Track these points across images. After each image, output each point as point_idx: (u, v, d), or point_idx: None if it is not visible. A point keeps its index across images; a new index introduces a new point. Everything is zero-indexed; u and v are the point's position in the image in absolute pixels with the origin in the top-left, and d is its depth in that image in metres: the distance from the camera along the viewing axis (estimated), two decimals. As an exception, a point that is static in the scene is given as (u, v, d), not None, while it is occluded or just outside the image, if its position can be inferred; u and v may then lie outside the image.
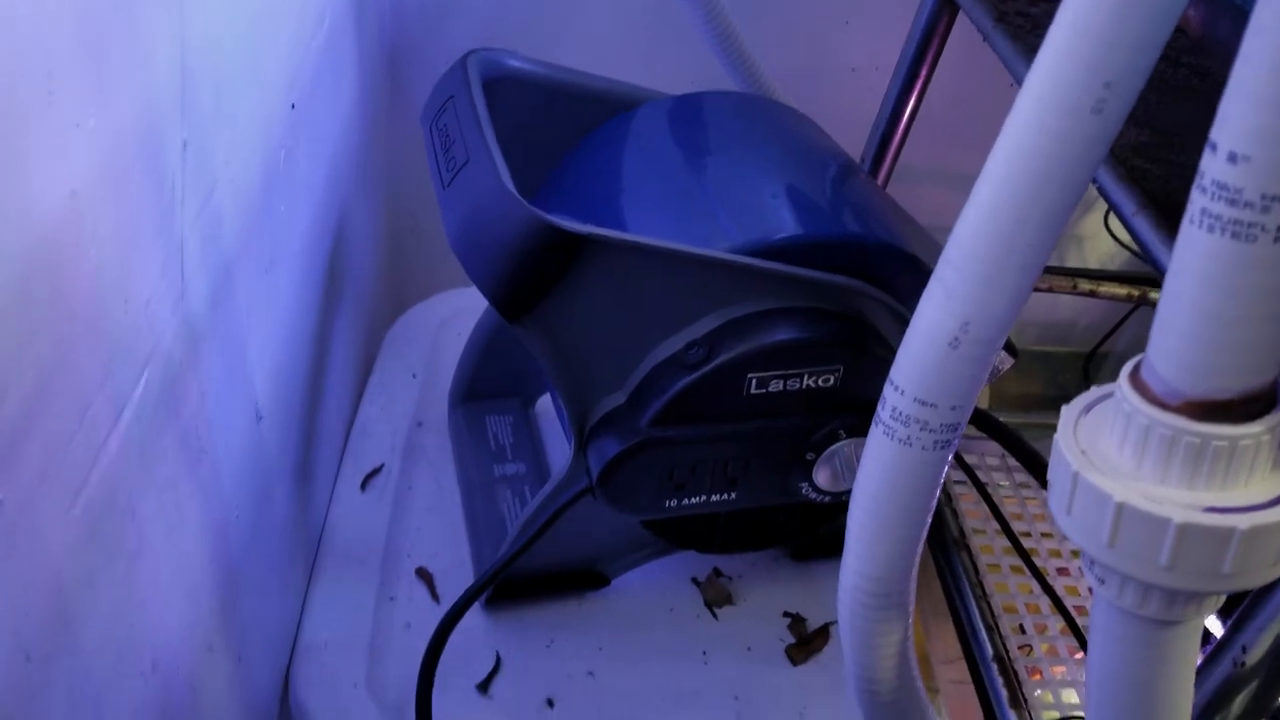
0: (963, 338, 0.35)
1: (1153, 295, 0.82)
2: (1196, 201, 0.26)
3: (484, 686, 0.61)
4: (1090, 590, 0.65)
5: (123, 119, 0.34)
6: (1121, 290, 0.80)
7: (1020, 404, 0.99)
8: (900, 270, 0.56)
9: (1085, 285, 0.80)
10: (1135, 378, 0.31)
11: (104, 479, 0.33)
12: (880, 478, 0.40)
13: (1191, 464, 0.29)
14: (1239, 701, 0.40)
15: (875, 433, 0.39)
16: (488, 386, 0.76)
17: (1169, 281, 0.28)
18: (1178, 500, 0.29)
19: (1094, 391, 0.34)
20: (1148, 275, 0.83)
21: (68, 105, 0.30)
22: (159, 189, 0.37)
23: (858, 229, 0.56)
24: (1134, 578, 0.31)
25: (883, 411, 0.39)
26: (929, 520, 0.41)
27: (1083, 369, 0.97)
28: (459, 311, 0.86)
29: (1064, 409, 0.34)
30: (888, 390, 0.38)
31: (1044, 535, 0.69)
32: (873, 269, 0.56)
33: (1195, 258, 0.26)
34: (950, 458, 0.39)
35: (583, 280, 0.52)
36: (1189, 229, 0.26)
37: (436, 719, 0.56)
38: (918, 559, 0.42)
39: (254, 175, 0.49)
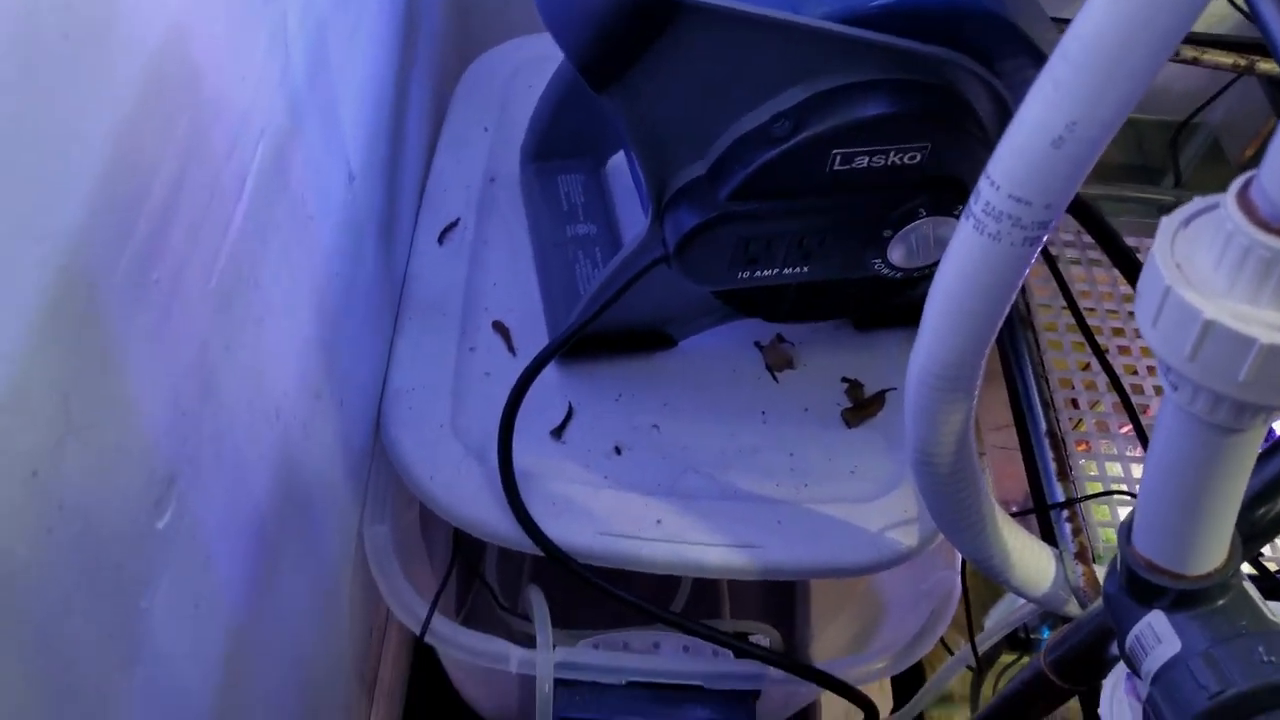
0: (1067, 137, 0.35)
1: (1261, 66, 0.78)
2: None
3: (558, 433, 0.65)
4: (1149, 371, 0.67)
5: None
6: (1227, 59, 0.76)
7: (1098, 172, 0.97)
8: (1002, 43, 0.54)
9: (1188, 51, 0.76)
10: (1243, 196, 0.31)
11: (233, 253, 0.35)
12: (964, 270, 0.41)
13: (1287, 289, 0.30)
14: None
15: (965, 225, 0.40)
16: (560, 144, 0.76)
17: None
18: (1265, 321, 0.30)
19: (1197, 203, 0.34)
20: (1257, 42, 0.78)
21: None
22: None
23: (958, -4, 0.54)
24: (1209, 389, 0.32)
25: (975, 204, 0.39)
26: (1006, 313, 0.42)
27: (1170, 140, 0.94)
28: (530, 60, 0.84)
29: (1163, 220, 0.34)
30: (982, 183, 0.39)
31: (1109, 313, 0.70)
32: (972, 40, 0.54)
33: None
34: (1037, 252, 0.40)
35: (671, 48, 0.51)
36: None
37: (515, 459, 0.61)
38: (989, 348, 0.44)
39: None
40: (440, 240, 0.74)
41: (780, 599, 0.95)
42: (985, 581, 0.85)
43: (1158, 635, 0.40)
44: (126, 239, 0.27)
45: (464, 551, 0.78)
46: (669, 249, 0.58)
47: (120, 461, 0.28)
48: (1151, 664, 0.40)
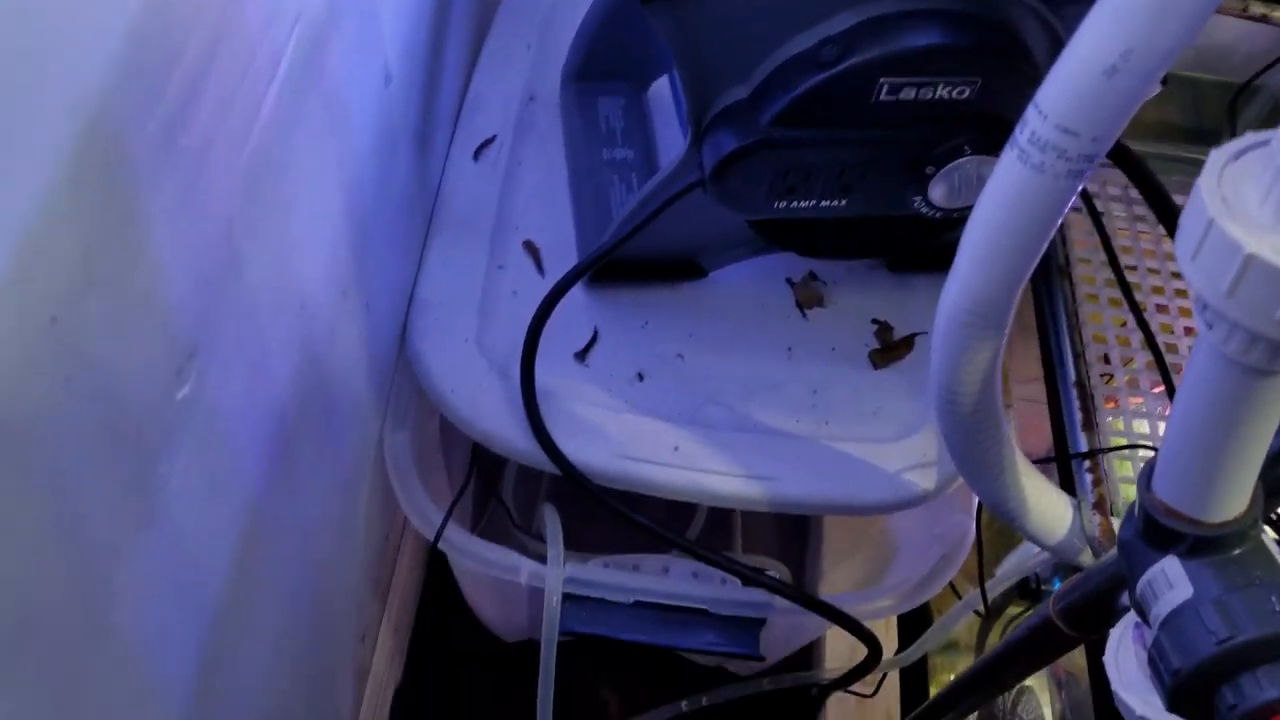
0: (1121, 66, 0.34)
1: (1330, 28, 0.75)
2: None
3: (581, 355, 0.65)
4: (1186, 332, 0.66)
5: None
6: (1297, 17, 0.74)
7: (1153, 131, 0.94)
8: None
9: (1257, 8, 0.74)
10: (1296, 132, 0.30)
11: (264, 135, 0.35)
12: (1004, 202, 0.40)
13: (1333, 228, 0.29)
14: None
15: (1008, 155, 0.39)
16: (602, 66, 0.75)
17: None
18: (1308, 259, 0.29)
19: (1247, 138, 0.33)
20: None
21: None
22: None
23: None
24: (1245, 327, 0.31)
25: (1020, 134, 0.38)
26: (1043, 250, 0.41)
27: (1230, 102, 0.91)
28: (576, -21, 0.83)
29: (1212, 152, 0.33)
30: (1030, 113, 0.38)
31: (1150, 271, 0.68)
32: (1031, -29, 0.52)
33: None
34: (1080, 188, 0.39)
35: (721, -37, 0.50)
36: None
37: (537, 378, 0.61)
38: (1022, 286, 0.43)
39: None
40: (475, 156, 0.73)
41: (793, 537, 0.96)
42: (999, 534, 0.85)
43: (1170, 580, 0.40)
44: (156, 100, 0.27)
45: (483, 471, 0.79)
46: (705, 173, 0.57)
47: (142, 324, 0.28)
48: (1161, 609, 0.40)
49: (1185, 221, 0.33)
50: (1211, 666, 0.37)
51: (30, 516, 0.25)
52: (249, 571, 0.42)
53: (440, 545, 0.62)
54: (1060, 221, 0.41)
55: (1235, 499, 0.38)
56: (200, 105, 0.30)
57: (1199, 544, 0.39)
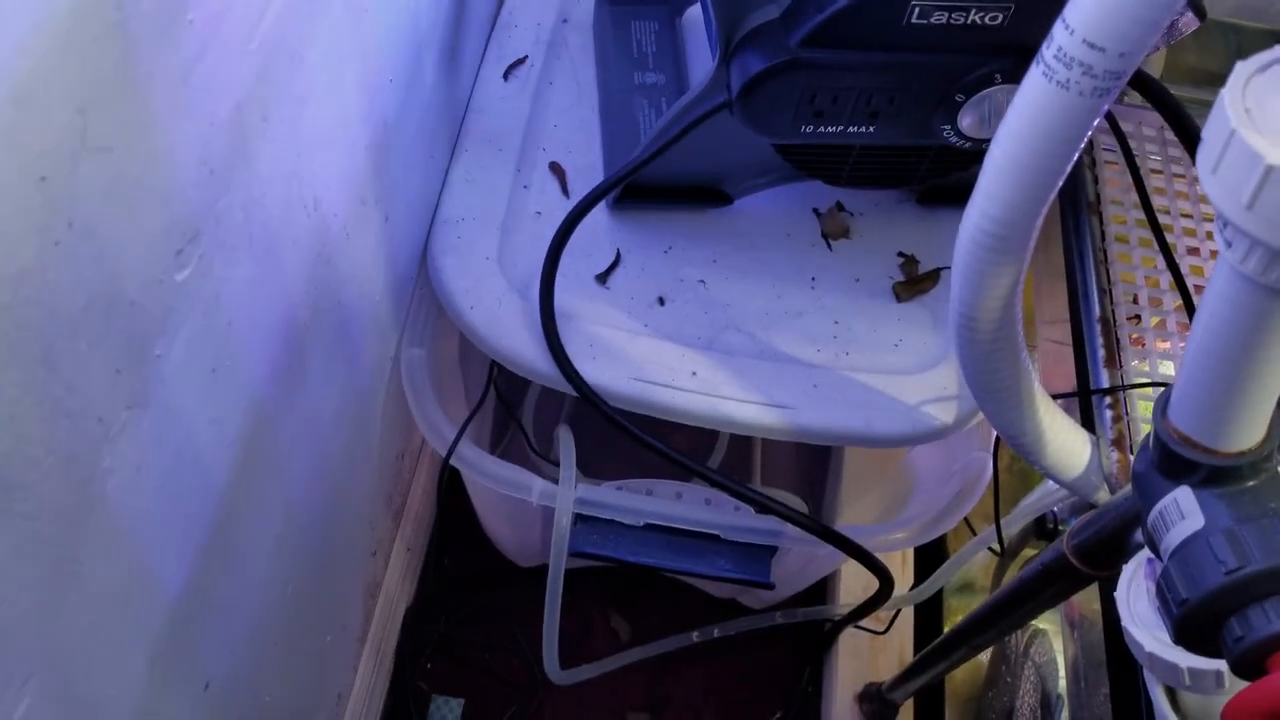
0: (1151, -22, 0.33)
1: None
2: None
3: (603, 278, 0.65)
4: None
5: None
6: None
7: (1192, 77, 0.91)
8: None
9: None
10: (1329, 39, 0.29)
11: (278, 18, 0.35)
12: (1029, 118, 0.39)
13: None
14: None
15: (1034, 72, 0.38)
16: (637, -13, 0.74)
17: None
18: (1332, 171, 0.28)
19: (1275, 51, 0.32)
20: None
21: None
22: None
23: None
24: (1264, 242, 0.31)
25: (1046, 50, 0.37)
26: (1067, 171, 0.40)
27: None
28: (615, -97, 0.81)
29: (1238, 64, 0.32)
30: (1057, 28, 0.37)
31: (1183, 215, 0.67)
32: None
33: None
34: (1105, 109, 0.38)
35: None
36: None
37: (558, 300, 0.61)
38: (1045, 208, 0.42)
39: None
40: (505, 76, 0.73)
41: (811, 472, 0.96)
42: (1018, 477, 0.84)
43: (1181, 510, 0.39)
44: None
45: (502, 397, 0.79)
46: (733, 94, 0.56)
47: (139, 197, 0.28)
48: (1172, 539, 0.39)
49: (1207, 134, 0.32)
50: (1219, 597, 0.36)
51: (12, 378, 0.25)
52: (253, 467, 0.42)
53: (453, 461, 0.63)
54: (1084, 141, 0.40)
55: (1252, 428, 0.37)
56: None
57: (1213, 474, 0.38)
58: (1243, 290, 0.33)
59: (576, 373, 0.60)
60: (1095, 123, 0.39)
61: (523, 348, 0.61)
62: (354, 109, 0.46)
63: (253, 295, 0.38)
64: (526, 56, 0.74)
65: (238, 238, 0.35)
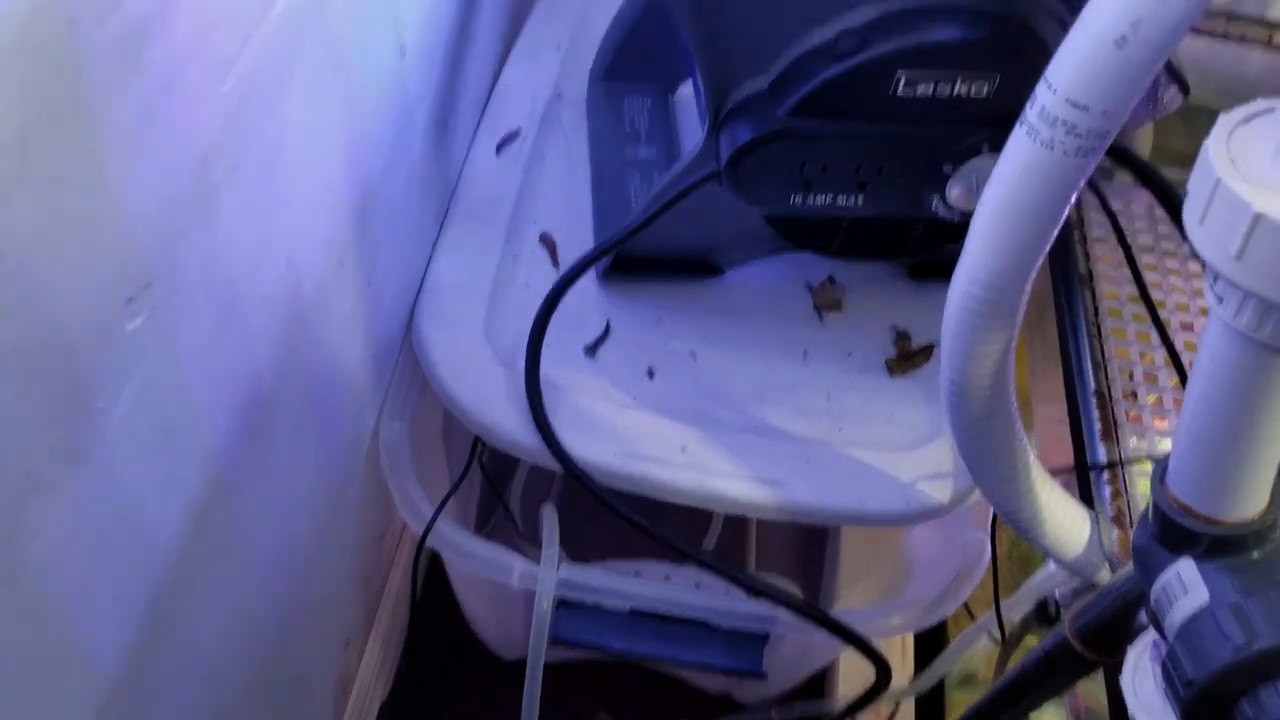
0: (1131, 37, 0.33)
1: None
2: None
3: (591, 350, 0.64)
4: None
5: None
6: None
7: (1180, 160, 0.92)
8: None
9: (1282, 38, 0.72)
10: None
11: (253, 65, 0.34)
12: (1014, 179, 0.38)
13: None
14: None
15: (1018, 132, 0.38)
16: (631, 66, 0.75)
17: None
18: (1321, 220, 0.27)
19: (1257, 104, 0.32)
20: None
21: None
22: None
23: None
24: (1256, 294, 0.29)
25: (1030, 110, 0.37)
26: (1055, 232, 0.40)
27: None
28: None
29: (1221, 116, 0.31)
30: (1040, 88, 0.36)
31: (1175, 290, 0.66)
32: (1053, -30, 0.51)
33: None
34: (1091, 169, 0.38)
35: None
36: None
37: (544, 371, 0.60)
38: (1035, 271, 0.41)
39: None
40: (498, 150, 0.73)
41: (808, 556, 0.93)
42: (1017, 562, 0.81)
43: (1184, 584, 0.37)
44: (110, 8, 0.26)
45: (488, 475, 0.77)
46: (721, 163, 0.56)
47: (86, 236, 0.27)
48: (1176, 616, 0.37)
49: (1192, 185, 0.31)
50: (1228, 677, 0.34)
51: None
52: (207, 540, 0.40)
53: (430, 541, 0.61)
54: (1071, 201, 0.39)
55: (1254, 495, 0.36)
56: (172, 20, 0.29)
57: (1216, 545, 0.37)
58: (1237, 348, 0.32)
59: (561, 446, 0.59)
60: (1081, 183, 0.38)
61: (506, 420, 0.60)
62: (334, 169, 0.45)
63: (213, 353, 0.37)
64: (520, 130, 0.74)
65: (198, 290, 0.34)
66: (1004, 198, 0.39)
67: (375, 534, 0.71)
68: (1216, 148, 0.30)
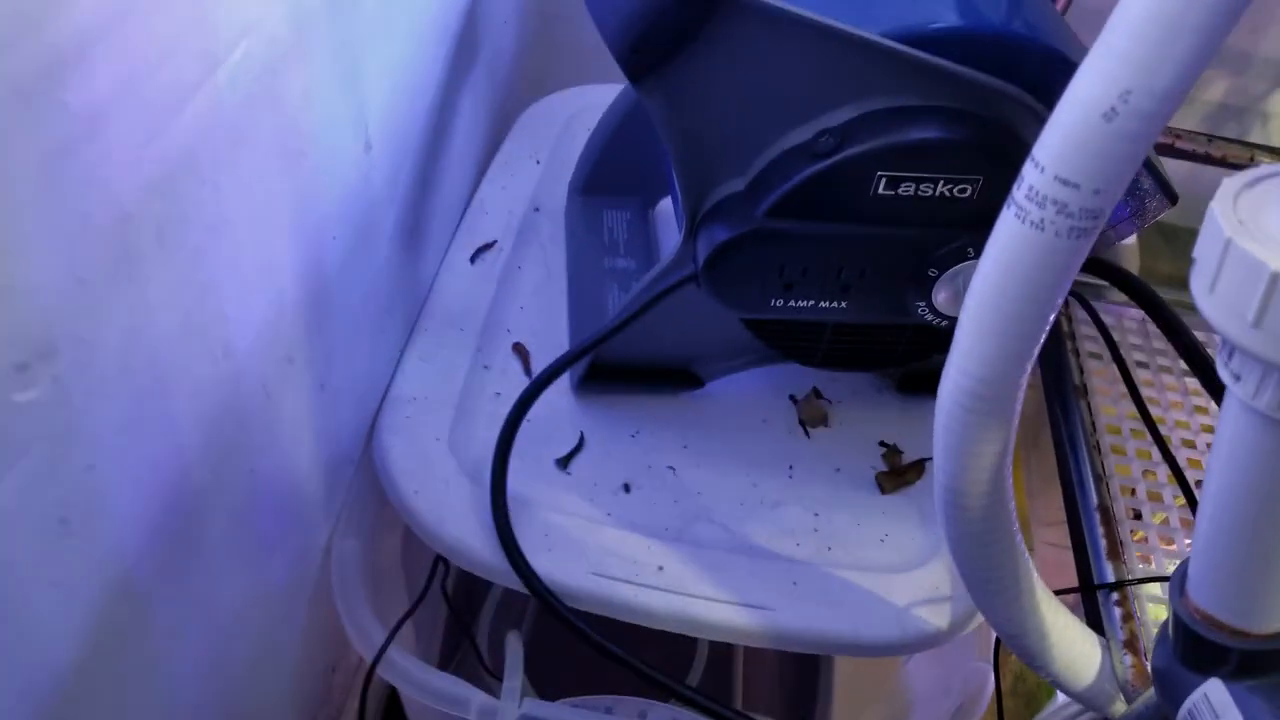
0: (1120, 109, 0.31)
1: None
2: None
3: (564, 462, 0.60)
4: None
5: None
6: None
7: (1169, 282, 0.91)
8: (1063, 82, 0.50)
9: (1264, 160, 0.72)
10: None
11: (187, 132, 0.32)
12: (1004, 265, 0.36)
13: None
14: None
15: (1006, 215, 0.35)
16: (610, 180, 0.74)
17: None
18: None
19: (1262, 169, 0.30)
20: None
21: None
22: None
23: (1022, 29, 0.51)
24: (1278, 367, 0.27)
25: (1017, 191, 0.35)
26: (1050, 320, 0.37)
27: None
28: (593, 106, 0.82)
29: (1225, 180, 0.29)
30: (1027, 168, 0.34)
31: (1173, 405, 0.63)
32: (1032, 76, 0.50)
33: None
34: (1086, 251, 0.35)
35: (716, 44, 0.48)
36: None
37: (513, 485, 0.56)
38: (1030, 364, 0.39)
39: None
40: (473, 260, 0.71)
41: (799, 691, 0.87)
42: (1021, 698, 0.76)
43: (1214, 708, 0.33)
44: (30, 30, 0.24)
45: (452, 603, 0.72)
46: (698, 266, 0.54)
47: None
48: (1204, 747, 0.33)
49: (1199, 251, 0.29)
50: (1267, 819, 0.30)
51: None
52: (114, 656, 0.36)
53: (380, 671, 0.56)
54: (1066, 288, 0.36)
55: (1285, 605, 0.32)
56: (99, 65, 0.27)
57: (1246, 661, 0.32)
58: (1259, 431, 0.29)
59: (527, 564, 0.55)
60: (1077, 266, 0.35)
61: (469, 536, 0.56)
62: (284, 257, 0.43)
63: (128, 440, 0.33)
64: (495, 241, 0.72)
65: (111, 368, 0.31)
66: (995, 284, 0.36)
67: (324, 665, 0.66)
68: (1223, 209, 0.28)
